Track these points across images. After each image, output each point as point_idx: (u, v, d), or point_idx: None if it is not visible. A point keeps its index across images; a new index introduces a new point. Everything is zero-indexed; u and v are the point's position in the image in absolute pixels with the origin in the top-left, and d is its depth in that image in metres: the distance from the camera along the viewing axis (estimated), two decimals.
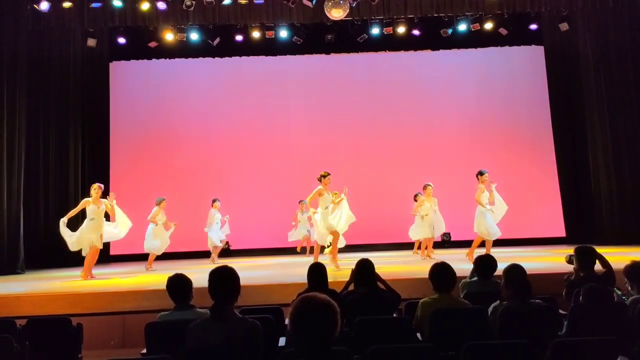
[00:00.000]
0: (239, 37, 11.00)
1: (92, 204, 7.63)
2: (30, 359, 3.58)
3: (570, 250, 4.48)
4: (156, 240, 8.68)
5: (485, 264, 4.20)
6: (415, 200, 9.38)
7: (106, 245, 9.24)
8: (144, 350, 3.37)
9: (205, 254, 9.82)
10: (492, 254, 4.53)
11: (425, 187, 9.03)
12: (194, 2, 9.26)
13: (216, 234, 9.51)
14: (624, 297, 3.79)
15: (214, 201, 9.60)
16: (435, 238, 9.20)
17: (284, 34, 10.68)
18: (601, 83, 10.34)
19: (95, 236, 7.57)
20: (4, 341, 3.33)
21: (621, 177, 10.17)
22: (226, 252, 10.04)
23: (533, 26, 11.39)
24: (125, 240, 8.16)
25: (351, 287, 4.28)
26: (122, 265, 9.29)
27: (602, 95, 10.32)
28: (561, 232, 11.12)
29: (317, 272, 4.14)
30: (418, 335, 3.54)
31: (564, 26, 10.61)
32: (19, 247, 9.08)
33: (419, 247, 9.41)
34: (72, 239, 7.58)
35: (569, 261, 4.37)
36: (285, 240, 10.81)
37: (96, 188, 7.71)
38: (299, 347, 1.81)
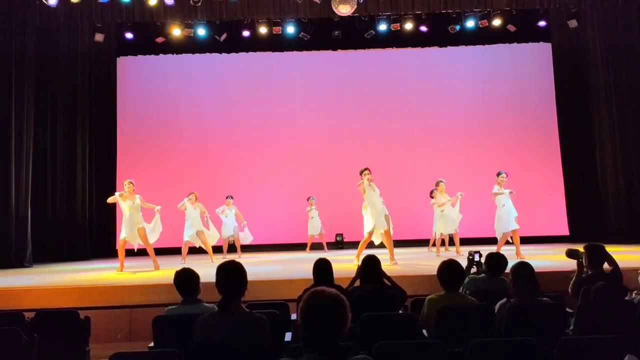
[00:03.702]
0: (246, 33, 11.00)
1: (127, 200, 7.69)
2: (39, 351, 3.61)
3: (576, 247, 4.46)
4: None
5: (495, 261, 4.19)
6: (431, 197, 9.37)
7: (112, 240, 9.32)
8: (152, 344, 3.40)
9: (215, 249, 9.90)
10: (497, 252, 4.50)
11: (437, 184, 9.03)
12: None
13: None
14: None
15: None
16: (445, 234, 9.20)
17: (290, 29, 10.67)
18: (610, 81, 10.26)
19: (129, 232, 7.65)
20: (13, 333, 3.36)
21: (629, 176, 10.10)
22: (232, 248, 10.07)
23: (541, 23, 11.31)
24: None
25: (357, 283, 4.29)
26: (130, 260, 9.31)
27: (611, 93, 10.24)
28: (564, 231, 11.06)
29: (322, 267, 4.15)
30: (424, 332, 3.54)
31: (573, 23, 10.53)
32: (27, 240, 9.15)
33: (434, 244, 9.42)
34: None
35: (570, 255, 4.34)
36: (291, 236, 10.84)
37: (126, 184, 7.80)
38: (307, 342, 1.81)
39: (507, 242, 8.17)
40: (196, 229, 8.87)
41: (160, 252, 9.59)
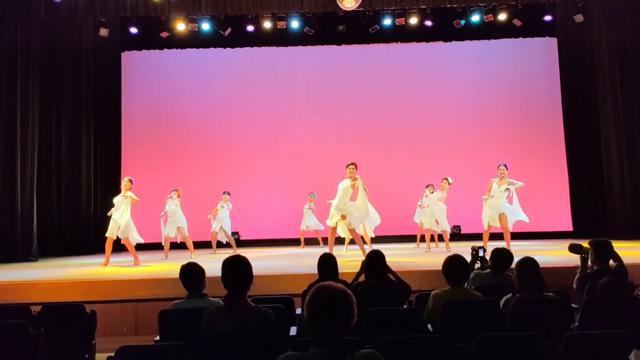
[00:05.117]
0: (250, 28, 10.99)
1: (118, 196, 7.89)
2: (45, 344, 3.63)
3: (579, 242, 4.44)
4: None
5: (500, 257, 4.18)
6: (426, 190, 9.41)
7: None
8: (157, 338, 3.42)
9: (219, 244, 9.95)
10: (503, 247, 4.49)
11: (441, 180, 9.04)
12: None
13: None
14: None
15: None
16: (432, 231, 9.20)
17: (295, 24, 10.65)
18: (616, 76, 10.20)
19: (112, 225, 7.78)
20: (20, 327, 3.38)
21: (635, 171, 10.05)
22: (236, 243, 10.11)
23: (547, 17, 11.24)
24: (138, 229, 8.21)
25: (361, 278, 4.30)
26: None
27: (617, 88, 10.18)
28: (568, 227, 11.04)
29: (327, 262, 4.15)
30: (429, 326, 3.55)
31: (579, 17, 10.46)
32: (32, 235, 9.20)
33: (432, 240, 9.44)
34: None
35: (573, 250, 4.31)
36: (296, 231, 10.85)
37: (125, 181, 7.93)
38: (314, 336, 1.81)
39: (513, 237, 8.16)
40: (176, 224, 8.93)
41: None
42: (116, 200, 7.91)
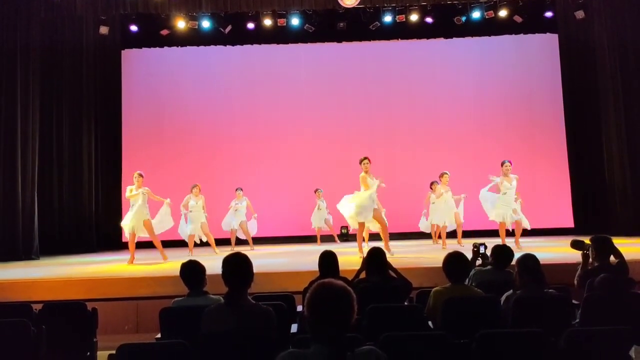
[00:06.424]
0: (250, 25, 10.97)
1: (133, 191, 7.82)
2: (47, 343, 3.64)
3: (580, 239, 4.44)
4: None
5: (501, 253, 4.18)
6: (431, 188, 9.36)
7: (118, 232, 9.37)
8: (158, 335, 3.42)
9: (221, 242, 9.94)
10: (504, 244, 4.49)
11: (441, 176, 9.00)
12: None
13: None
14: None
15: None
16: (448, 227, 9.14)
17: (295, 21, 10.64)
18: (617, 72, 10.17)
19: (134, 224, 7.72)
20: (21, 325, 3.39)
21: (636, 167, 10.02)
22: (239, 240, 10.12)
23: (548, 14, 11.21)
24: None
25: (362, 275, 4.30)
26: (137, 252, 9.37)
27: (618, 84, 10.16)
28: (569, 223, 11.02)
29: (328, 260, 4.15)
30: (430, 323, 3.55)
31: (580, 14, 10.44)
32: (34, 233, 9.22)
33: (439, 237, 9.42)
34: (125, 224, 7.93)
35: (575, 245, 4.31)
36: (297, 229, 10.85)
37: (136, 176, 7.86)
38: (315, 334, 1.81)
39: (509, 234, 8.16)
40: (199, 221, 8.87)
41: (166, 244, 9.62)
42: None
